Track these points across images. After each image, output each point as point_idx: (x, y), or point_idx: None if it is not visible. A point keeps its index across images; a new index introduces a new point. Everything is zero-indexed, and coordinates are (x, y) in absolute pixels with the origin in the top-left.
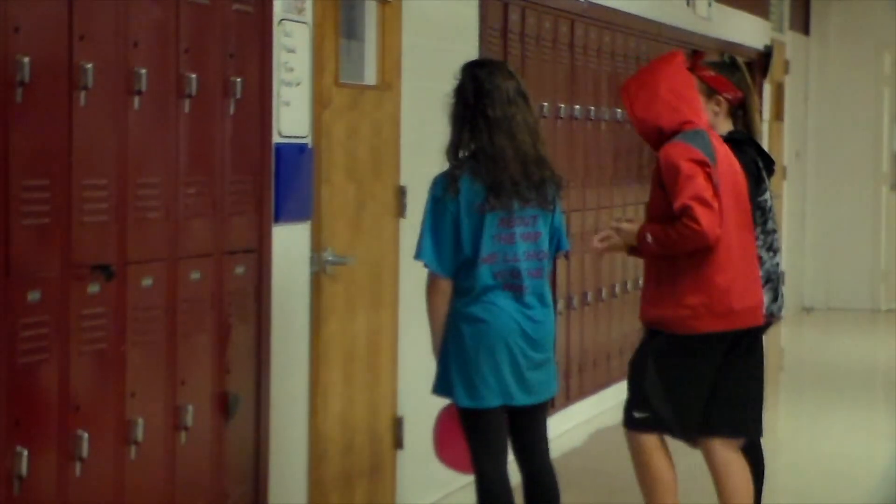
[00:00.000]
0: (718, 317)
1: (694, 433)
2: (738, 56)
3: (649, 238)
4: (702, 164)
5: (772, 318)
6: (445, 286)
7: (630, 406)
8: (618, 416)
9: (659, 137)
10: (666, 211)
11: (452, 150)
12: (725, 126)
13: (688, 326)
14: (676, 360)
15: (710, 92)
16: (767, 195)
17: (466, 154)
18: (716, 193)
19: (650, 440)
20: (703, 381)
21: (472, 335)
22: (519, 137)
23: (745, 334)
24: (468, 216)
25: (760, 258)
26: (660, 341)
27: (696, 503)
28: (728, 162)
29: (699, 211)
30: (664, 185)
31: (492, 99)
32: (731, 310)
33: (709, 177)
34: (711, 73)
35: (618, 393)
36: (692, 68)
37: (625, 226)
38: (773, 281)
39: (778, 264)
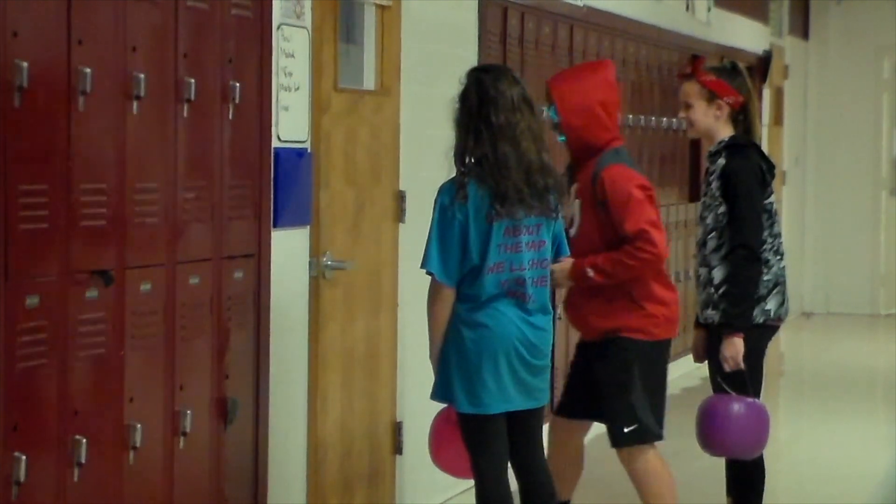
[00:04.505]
0: (672, 324)
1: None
2: (737, 61)
3: (591, 273)
4: (646, 190)
5: (779, 323)
6: (449, 294)
7: (619, 423)
8: None
9: (584, 148)
10: (604, 233)
11: (459, 156)
12: (726, 131)
13: (652, 333)
14: (654, 366)
15: (711, 96)
16: (772, 198)
17: (472, 160)
18: (659, 216)
19: (646, 449)
20: (666, 383)
21: (474, 340)
22: (523, 145)
23: None
24: (476, 224)
25: (768, 262)
26: (641, 350)
27: None
28: None
29: (655, 235)
30: (608, 207)
31: (496, 105)
32: (675, 320)
33: (652, 199)
34: (712, 77)
35: None
36: (693, 73)
37: (556, 268)
38: (780, 285)
39: (784, 268)
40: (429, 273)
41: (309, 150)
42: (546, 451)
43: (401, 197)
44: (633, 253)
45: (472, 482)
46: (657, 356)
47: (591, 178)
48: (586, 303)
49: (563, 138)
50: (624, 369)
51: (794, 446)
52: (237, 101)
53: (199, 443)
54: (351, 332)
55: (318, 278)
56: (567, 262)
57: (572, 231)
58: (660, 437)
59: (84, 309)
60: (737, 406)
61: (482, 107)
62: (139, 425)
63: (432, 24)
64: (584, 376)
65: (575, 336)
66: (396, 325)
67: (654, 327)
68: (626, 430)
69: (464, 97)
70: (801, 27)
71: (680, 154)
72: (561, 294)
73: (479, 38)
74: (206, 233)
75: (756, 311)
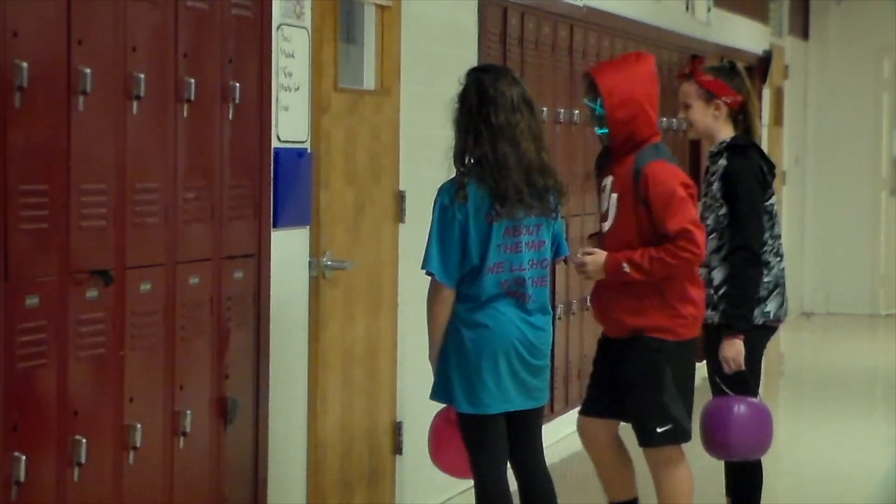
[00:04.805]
0: (698, 323)
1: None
2: (737, 61)
3: (627, 268)
4: (688, 188)
5: (778, 324)
6: (449, 295)
7: (650, 422)
8: None
9: (625, 142)
10: (640, 229)
11: (458, 156)
12: (726, 131)
13: (680, 334)
14: (683, 366)
15: (710, 96)
16: (773, 199)
17: (472, 160)
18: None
19: (676, 451)
20: (693, 383)
21: (473, 340)
22: (523, 145)
23: None
24: (476, 224)
25: (768, 263)
26: (669, 350)
27: None
28: None
29: (698, 234)
30: (649, 203)
31: (496, 105)
32: (701, 318)
33: (694, 198)
34: (710, 77)
35: None
36: (692, 73)
37: (588, 260)
38: (780, 286)
39: (784, 269)
40: (429, 273)
41: (309, 150)
42: (592, 459)
43: (401, 197)
44: (674, 252)
45: (471, 482)
46: (684, 355)
47: (632, 174)
48: (615, 298)
49: (603, 131)
50: (655, 370)
51: (794, 446)
52: (237, 101)
53: (199, 443)
54: (351, 332)
55: (318, 278)
56: (601, 255)
57: (606, 225)
58: (690, 438)
59: (84, 309)
60: (740, 408)
61: (482, 107)
62: (139, 425)
63: (432, 24)
64: (606, 375)
65: (576, 336)
66: (396, 325)
67: (681, 328)
68: (659, 430)
69: (463, 97)
70: (801, 27)
71: (680, 154)
72: (587, 286)
73: (479, 38)
74: (206, 233)
75: (756, 313)
